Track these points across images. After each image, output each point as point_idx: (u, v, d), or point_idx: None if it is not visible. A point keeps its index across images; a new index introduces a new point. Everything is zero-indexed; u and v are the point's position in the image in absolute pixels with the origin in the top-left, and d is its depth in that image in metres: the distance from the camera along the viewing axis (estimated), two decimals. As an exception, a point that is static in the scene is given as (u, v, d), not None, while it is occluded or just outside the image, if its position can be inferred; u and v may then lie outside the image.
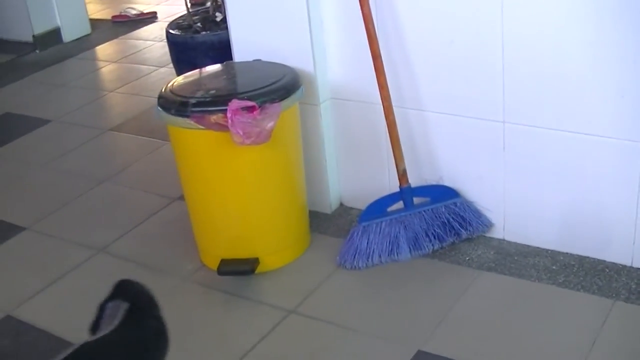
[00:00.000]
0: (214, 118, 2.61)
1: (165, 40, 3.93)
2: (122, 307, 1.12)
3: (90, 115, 4.72)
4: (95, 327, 1.30)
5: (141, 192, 3.64)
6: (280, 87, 2.75)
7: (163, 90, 2.86)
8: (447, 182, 2.93)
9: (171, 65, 4.42)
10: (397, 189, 2.90)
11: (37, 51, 6.08)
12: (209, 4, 4.00)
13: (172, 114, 2.73)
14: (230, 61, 3.17)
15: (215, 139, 2.67)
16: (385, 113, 2.83)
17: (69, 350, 0.95)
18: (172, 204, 3.46)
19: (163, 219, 3.38)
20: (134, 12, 6.63)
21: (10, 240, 3.41)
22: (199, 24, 3.66)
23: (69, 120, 4.64)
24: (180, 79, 2.98)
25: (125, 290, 1.16)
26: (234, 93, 2.73)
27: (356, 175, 3.16)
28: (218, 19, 3.65)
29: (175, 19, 3.85)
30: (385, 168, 3.02)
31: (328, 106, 3.08)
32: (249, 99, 2.62)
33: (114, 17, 6.68)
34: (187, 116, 2.66)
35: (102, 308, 1.23)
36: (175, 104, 2.73)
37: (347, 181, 3.19)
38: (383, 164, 3.02)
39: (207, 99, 2.69)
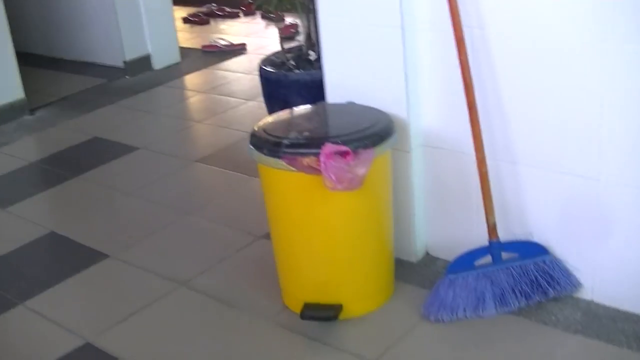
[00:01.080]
0: (306, 161, 2.60)
1: (258, 74, 3.95)
2: None
3: (177, 145, 4.77)
4: None
5: (225, 227, 3.64)
6: (374, 132, 2.73)
7: (256, 128, 2.85)
8: (536, 238, 2.87)
9: (259, 98, 4.45)
10: (485, 242, 2.85)
11: (127, 77, 6.19)
12: (299, 37, 4.00)
13: (264, 154, 2.72)
14: (324, 102, 3.17)
15: (306, 182, 2.66)
16: (477, 164, 2.79)
17: None
18: (256, 241, 3.45)
19: (247, 256, 3.37)
20: (223, 42, 6.70)
21: (94, 266, 3.44)
22: (292, 62, 3.67)
23: (157, 148, 4.68)
24: (272, 118, 2.98)
25: None
26: (328, 136, 2.71)
27: (444, 225, 3.12)
28: (312, 58, 3.64)
29: (269, 55, 3.87)
30: (474, 219, 2.97)
31: (419, 153, 3.05)
32: (343, 143, 2.61)
33: (204, 46, 6.77)
34: (279, 157, 2.66)
35: None
36: (267, 144, 2.73)
37: (434, 230, 3.15)
38: (472, 215, 2.97)
39: (300, 141, 2.68)
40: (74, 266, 3.45)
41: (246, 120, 4.90)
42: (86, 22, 6.46)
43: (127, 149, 4.70)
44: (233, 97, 5.49)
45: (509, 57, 2.73)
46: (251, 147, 2.79)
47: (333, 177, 2.53)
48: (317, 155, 2.57)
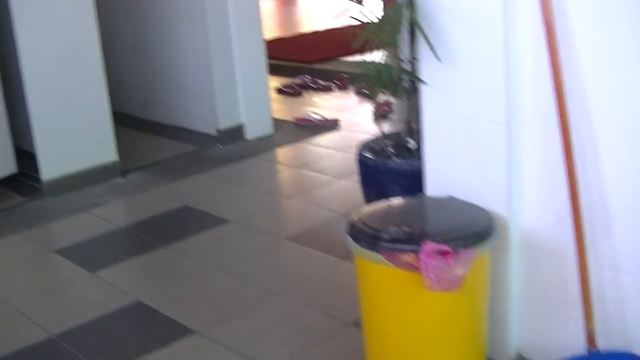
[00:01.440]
0: (405, 258, 2.56)
1: (354, 155, 3.93)
2: None
3: (268, 221, 4.77)
4: None
5: (314, 311, 3.60)
6: (476, 232, 2.69)
7: (355, 218, 2.83)
8: (636, 349, 2.79)
9: (352, 177, 4.46)
10: (581, 349, 2.77)
11: (219, 145, 6.23)
12: (393, 116, 3.97)
13: (362, 246, 2.69)
14: (423, 194, 3.14)
15: (404, 278, 2.62)
16: (579, 269, 2.72)
17: None
18: (345, 329, 3.40)
19: (335, 344, 3.32)
20: (317, 117, 6.72)
21: (181, 342, 3.43)
22: (391, 149, 3.64)
23: (247, 223, 4.69)
24: (371, 209, 2.96)
25: None
26: (428, 233, 2.68)
27: (539, 328, 3.04)
28: (411, 147, 3.61)
29: (368, 141, 3.85)
30: (570, 325, 2.89)
31: (518, 253, 2.99)
32: (443, 242, 2.57)
33: (297, 119, 6.79)
34: (378, 251, 2.63)
35: None
36: (365, 236, 2.70)
37: (528, 332, 3.08)
38: (569, 320, 2.90)
39: (400, 236, 2.65)
40: (160, 340, 3.45)
41: (338, 199, 4.90)
42: (182, 87, 6.56)
43: (217, 221, 4.71)
44: (325, 174, 5.48)
45: (617, 162, 2.68)
46: (348, 237, 2.77)
47: (433, 277, 2.50)
48: (416, 252, 2.54)
